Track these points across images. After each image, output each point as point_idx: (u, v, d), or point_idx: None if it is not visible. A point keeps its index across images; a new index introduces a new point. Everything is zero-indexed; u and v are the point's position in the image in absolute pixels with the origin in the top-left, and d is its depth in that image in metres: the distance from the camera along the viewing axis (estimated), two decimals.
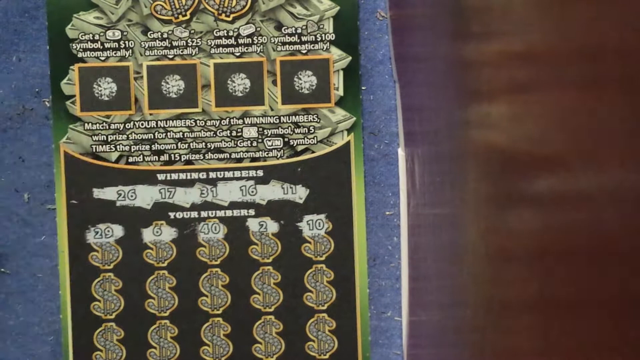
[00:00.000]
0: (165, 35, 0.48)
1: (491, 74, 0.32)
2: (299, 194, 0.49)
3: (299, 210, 0.49)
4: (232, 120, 0.48)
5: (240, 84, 0.49)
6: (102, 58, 0.48)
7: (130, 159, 0.48)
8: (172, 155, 0.48)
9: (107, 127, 0.48)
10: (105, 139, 0.48)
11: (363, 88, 0.49)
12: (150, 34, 0.48)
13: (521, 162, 0.28)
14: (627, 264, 0.21)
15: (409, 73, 0.46)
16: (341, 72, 0.49)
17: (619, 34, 0.21)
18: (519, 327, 0.29)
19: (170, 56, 0.48)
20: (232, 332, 0.48)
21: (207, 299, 0.48)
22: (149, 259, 0.48)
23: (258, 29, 0.48)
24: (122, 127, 0.48)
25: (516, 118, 0.29)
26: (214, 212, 0.49)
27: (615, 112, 0.21)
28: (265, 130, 0.48)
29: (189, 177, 0.48)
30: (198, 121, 0.48)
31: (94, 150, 0.48)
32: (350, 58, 0.49)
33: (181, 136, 0.48)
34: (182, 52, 0.48)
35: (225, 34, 0.48)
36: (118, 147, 0.48)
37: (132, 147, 0.48)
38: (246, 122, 0.48)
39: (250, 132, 0.49)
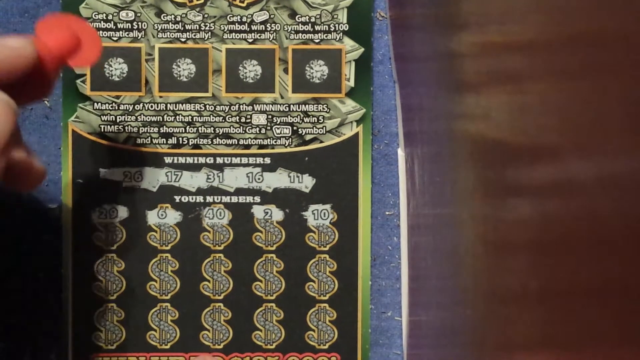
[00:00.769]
0: (178, 19, 0.48)
1: (487, 65, 0.32)
2: (306, 183, 0.49)
3: (305, 199, 0.49)
4: (241, 106, 0.48)
5: (251, 70, 0.48)
6: (115, 38, 0.48)
7: (138, 141, 0.48)
8: (180, 138, 0.48)
9: (117, 108, 0.48)
10: (114, 119, 0.48)
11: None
12: (164, 16, 0.48)
13: (518, 154, 0.28)
14: (623, 253, 0.21)
15: (409, 73, 0.46)
16: (353, 63, 0.48)
17: (616, 23, 0.21)
18: (519, 325, 0.29)
19: (183, 39, 0.48)
20: (233, 318, 0.49)
21: (209, 284, 0.48)
22: (153, 242, 0.48)
23: (272, 16, 0.48)
24: (131, 108, 0.48)
25: (512, 109, 0.29)
26: (219, 197, 0.49)
27: (610, 102, 0.21)
28: (274, 118, 0.48)
29: (196, 162, 0.48)
30: (207, 106, 0.48)
31: (103, 130, 0.48)
32: (362, 49, 0.48)
33: (190, 120, 0.48)
34: (194, 35, 0.48)
35: (239, 20, 0.48)
36: (127, 128, 0.48)
37: (141, 128, 0.48)
38: (256, 109, 0.48)
39: (259, 119, 0.48)
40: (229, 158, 0.49)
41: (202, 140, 0.48)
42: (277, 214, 0.49)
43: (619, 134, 0.21)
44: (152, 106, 0.48)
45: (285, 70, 0.48)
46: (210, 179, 0.49)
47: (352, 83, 0.48)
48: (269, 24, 0.48)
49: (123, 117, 0.48)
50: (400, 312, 0.49)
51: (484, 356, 0.33)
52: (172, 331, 0.48)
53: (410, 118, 0.46)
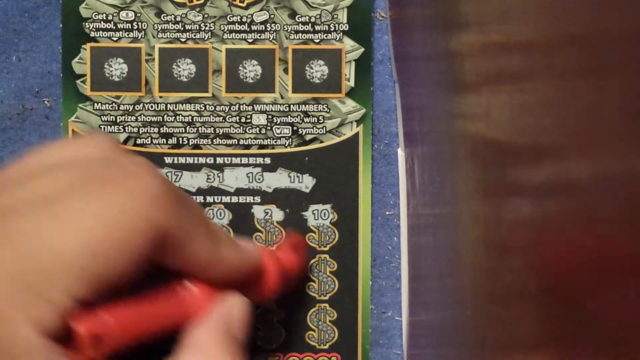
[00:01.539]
0: (178, 19, 0.48)
1: (487, 65, 0.32)
2: (306, 183, 0.49)
3: (305, 199, 0.49)
4: (241, 106, 0.48)
5: (251, 70, 0.48)
6: (115, 38, 0.48)
7: (139, 141, 0.48)
8: (180, 138, 0.48)
9: (117, 108, 0.48)
10: (114, 119, 0.48)
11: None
12: (164, 16, 0.48)
13: (518, 154, 0.28)
14: (623, 253, 0.21)
15: (409, 73, 0.46)
16: (353, 63, 0.48)
17: (616, 23, 0.21)
18: (519, 325, 0.29)
19: (183, 39, 0.48)
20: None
21: None
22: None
23: (272, 16, 0.48)
24: (131, 108, 0.48)
25: (512, 109, 0.29)
26: (219, 197, 0.49)
27: (610, 102, 0.21)
28: (274, 118, 0.48)
29: (196, 162, 0.48)
30: (207, 106, 0.48)
31: (103, 131, 0.48)
32: (362, 49, 0.48)
33: (190, 120, 0.48)
34: (194, 36, 0.48)
35: (239, 20, 0.48)
36: (127, 128, 0.48)
37: (141, 128, 0.48)
38: (256, 109, 0.48)
39: (260, 119, 0.48)
40: (229, 158, 0.49)
41: (202, 140, 0.48)
42: (278, 214, 0.49)
43: (619, 134, 0.21)
44: (152, 106, 0.48)
45: (285, 70, 0.48)
46: (210, 179, 0.49)
47: (352, 83, 0.48)
48: (269, 24, 0.48)
49: (123, 117, 0.48)
50: (401, 312, 0.49)
51: (484, 356, 0.33)
52: None
53: (410, 118, 0.46)
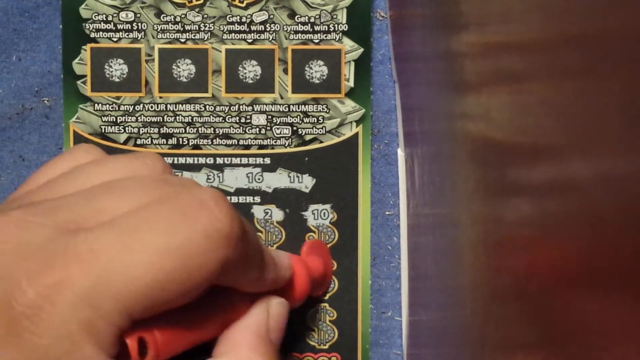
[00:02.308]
0: (178, 19, 0.48)
1: (487, 65, 0.32)
2: (305, 183, 0.49)
3: (305, 199, 0.49)
4: (241, 106, 0.48)
5: (251, 70, 0.48)
6: (115, 39, 0.48)
7: (139, 141, 0.48)
8: (180, 139, 0.48)
9: (117, 109, 0.48)
10: (114, 120, 0.48)
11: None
12: (163, 17, 0.48)
13: (518, 154, 0.28)
14: (623, 253, 0.21)
15: (408, 73, 0.46)
16: (352, 64, 0.48)
17: (616, 23, 0.21)
18: (519, 325, 0.29)
19: (182, 40, 0.48)
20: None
21: None
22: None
23: (271, 16, 0.48)
24: (131, 108, 0.48)
25: (512, 109, 0.29)
26: None
27: (610, 102, 0.21)
28: (274, 118, 0.48)
29: (196, 162, 0.49)
30: (207, 106, 0.48)
31: (103, 131, 0.48)
32: (362, 50, 0.48)
33: (190, 120, 0.48)
34: (194, 36, 0.48)
35: (238, 20, 0.48)
36: (127, 128, 0.48)
37: (141, 129, 0.48)
38: (255, 110, 0.48)
39: (259, 120, 0.48)
40: (229, 158, 0.49)
41: (202, 140, 0.48)
42: (277, 214, 0.49)
43: (619, 134, 0.21)
44: (152, 107, 0.48)
45: (285, 71, 0.48)
46: (210, 179, 0.49)
47: (351, 83, 0.49)
48: (268, 24, 0.48)
49: (123, 117, 0.48)
50: (401, 312, 0.49)
51: (484, 356, 0.33)
52: None
53: (410, 118, 0.46)
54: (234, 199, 0.49)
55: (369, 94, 0.49)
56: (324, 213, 0.49)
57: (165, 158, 0.48)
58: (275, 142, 0.48)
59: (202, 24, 0.48)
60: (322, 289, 0.48)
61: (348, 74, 0.48)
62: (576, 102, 0.23)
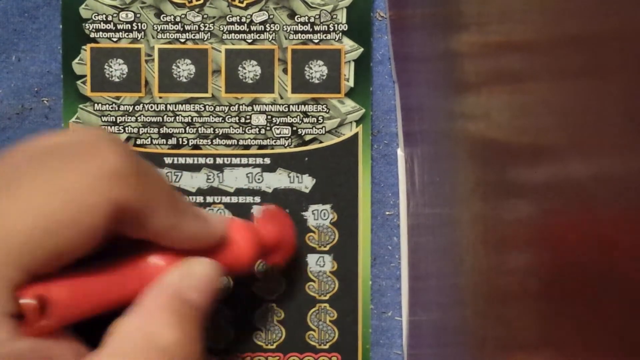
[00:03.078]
0: (178, 19, 0.48)
1: (487, 65, 0.32)
2: (305, 183, 0.49)
3: (305, 199, 0.49)
4: (241, 106, 0.48)
5: (250, 71, 0.48)
6: (115, 39, 0.48)
7: (139, 141, 0.48)
8: (180, 139, 0.48)
9: (117, 109, 0.48)
10: (114, 120, 0.48)
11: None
12: (163, 17, 0.48)
13: (518, 154, 0.28)
14: (623, 253, 0.21)
15: (408, 73, 0.46)
16: (352, 64, 0.48)
17: (616, 23, 0.21)
18: (519, 325, 0.29)
19: (182, 40, 0.48)
20: (233, 318, 0.49)
21: None
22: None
23: (271, 16, 0.48)
24: (131, 109, 0.48)
25: (512, 109, 0.29)
26: (219, 197, 0.49)
27: (610, 102, 0.21)
28: (273, 118, 0.48)
29: (195, 162, 0.48)
30: (207, 106, 0.48)
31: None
32: (362, 49, 0.48)
33: (190, 120, 0.48)
34: (194, 36, 0.48)
35: (238, 20, 0.48)
36: (127, 128, 0.48)
37: (141, 129, 0.48)
38: (255, 110, 0.48)
39: (259, 120, 0.48)
40: (229, 158, 0.49)
41: (201, 140, 0.48)
42: None
43: (619, 134, 0.21)
44: (152, 107, 0.48)
45: (285, 71, 0.48)
46: (210, 179, 0.49)
47: (351, 83, 0.49)
48: (268, 25, 0.48)
49: (123, 117, 0.48)
50: (401, 312, 0.49)
51: (484, 356, 0.33)
52: None
53: (410, 118, 0.46)
54: (234, 199, 0.49)
55: (369, 94, 0.49)
56: (324, 213, 0.49)
57: (165, 158, 0.48)
58: (275, 142, 0.48)
59: (202, 24, 0.48)
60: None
61: (348, 74, 0.48)
62: (576, 102, 0.23)
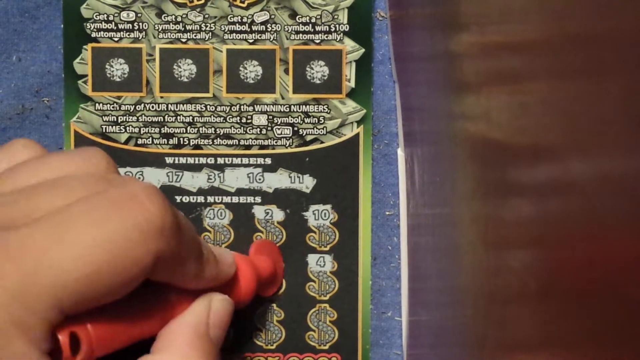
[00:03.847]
0: (179, 19, 0.48)
1: (487, 65, 0.32)
2: (306, 183, 0.49)
3: (306, 199, 0.49)
4: (242, 106, 0.48)
5: (252, 71, 0.48)
6: (116, 39, 0.48)
7: (140, 141, 0.48)
8: (181, 139, 0.48)
9: (118, 108, 0.48)
10: (115, 119, 0.48)
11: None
12: (165, 16, 0.48)
13: (518, 154, 0.28)
14: (623, 253, 0.21)
15: (408, 73, 0.46)
16: (353, 64, 0.49)
17: (616, 23, 0.21)
18: (519, 325, 0.29)
19: (184, 40, 0.48)
20: (233, 318, 0.49)
21: None
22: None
23: (272, 16, 0.48)
24: (132, 108, 0.48)
25: (512, 109, 0.29)
26: (220, 197, 0.49)
27: (610, 102, 0.21)
28: (275, 119, 0.48)
29: (196, 162, 0.49)
30: (208, 106, 0.48)
31: (104, 131, 0.48)
32: (363, 50, 0.49)
33: (191, 120, 0.48)
34: (195, 36, 0.48)
35: (239, 20, 0.48)
36: (128, 128, 0.48)
37: (142, 129, 0.48)
38: (256, 110, 0.48)
39: (260, 120, 0.49)
40: (230, 158, 0.49)
41: (203, 140, 0.48)
42: (278, 214, 0.49)
43: (619, 134, 0.21)
44: (153, 107, 0.48)
45: (286, 71, 0.49)
46: (211, 179, 0.49)
47: (352, 84, 0.49)
48: (269, 25, 0.48)
49: (124, 117, 0.48)
50: (401, 312, 0.49)
51: (484, 356, 0.33)
52: None
53: (410, 118, 0.46)
54: (235, 199, 0.49)
55: (370, 94, 0.49)
56: (325, 213, 0.49)
57: (166, 158, 0.48)
58: (276, 142, 0.48)
59: (203, 24, 0.48)
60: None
61: (349, 74, 0.48)
62: (576, 102, 0.23)
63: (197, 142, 0.48)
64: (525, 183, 0.28)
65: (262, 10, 0.48)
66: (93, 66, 0.48)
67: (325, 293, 0.49)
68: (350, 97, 0.49)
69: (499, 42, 0.30)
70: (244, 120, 0.48)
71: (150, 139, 0.48)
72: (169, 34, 0.48)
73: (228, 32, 0.48)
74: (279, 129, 0.48)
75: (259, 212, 0.49)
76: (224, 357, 0.48)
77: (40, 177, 0.37)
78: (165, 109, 0.48)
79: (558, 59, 0.25)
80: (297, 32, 0.48)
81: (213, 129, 0.48)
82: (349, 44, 0.48)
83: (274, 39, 0.48)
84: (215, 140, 0.48)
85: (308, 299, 0.49)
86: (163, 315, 0.38)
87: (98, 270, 0.33)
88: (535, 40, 0.27)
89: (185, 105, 0.48)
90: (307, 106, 0.48)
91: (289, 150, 0.49)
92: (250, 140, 0.48)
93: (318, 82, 0.49)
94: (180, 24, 0.48)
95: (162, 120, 0.48)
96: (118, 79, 0.48)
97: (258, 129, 0.48)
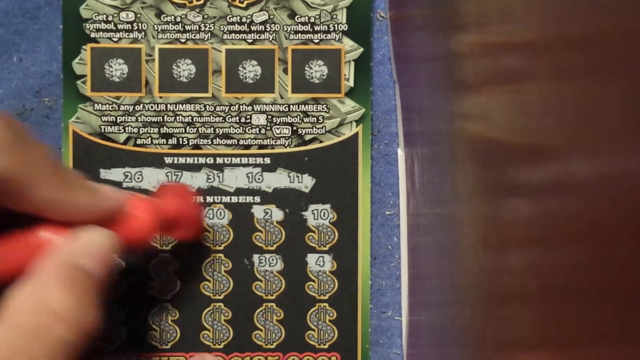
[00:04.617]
0: (178, 19, 0.48)
1: (487, 65, 0.32)
2: (305, 183, 0.49)
3: (305, 199, 0.49)
4: (241, 106, 0.48)
5: (251, 70, 0.48)
6: (115, 39, 0.48)
7: (139, 141, 0.48)
8: (180, 139, 0.48)
9: (117, 108, 0.48)
10: (114, 119, 0.48)
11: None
12: (164, 17, 0.48)
13: (518, 154, 0.28)
14: (622, 253, 0.21)
15: (408, 73, 0.46)
16: (352, 63, 0.49)
17: (616, 23, 0.21)
18: (519, 325, 0.29)
19: (183, 40, 0.48)
20: (233, 317, 0.49)
21: (209, 284, 0.48)
22: (153, 242, 0.48)
23: (271, 16, 0.48)
24: (131, 108, 0.48)
25: (512, 109, 0.29)
26: (219, 197, 0.49)
27: (610, 102, 0.21)
28: (274, 118, 0.48)
29: (196, 162, 0.49)
30: (207, 106, 0.48)
31: (103, 131, 0.48)
32: (362, 49, 0.49)
33: (190, 120, 0.48)
34: (194, 36, 0.48)
35: (238, 20, 0.48)
36: (127, 128, 0.48)
37: (141, 129, 0.48)
38: (255, 109, 0.48)
39: (259, 120, 0.49)
40: (229, 158, 0.49)
41: (202, 140, 0.48)
42: (277, 214, 0.49)
43: (619, 134, 0.21)
44: (152, 107, 0.48)
45: (285, 71, 0.49)
46: (210, 179, 0.49)
47: (351, 83, 0.49)
48: (268, 25, 0.48)
49: (123, 117, 0.48)
50: (400, 311, 0.49)
51: (484, 356, 0.33)
52: (173, 331, 0.48)
53: (410, 118, 0.46)
54: (234, 199, 0.49)
55: (369, 93, 0.49)
56: (324, 213, 0.49)
57: (165, 158, 0.48)
58: (275, 142, 0.49)
59: (203, 24, 0.48)
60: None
61: (348, 73, 0.48)
62: (576, 102, 0.23)
63: (196, 142, 0.48)
64: (525, 183, 0.28)
65: (261, 10, 0.48)
66: (92, 66, 0.48)
67: (325, 292, 0.49)
68: (349, 96, 0.49)
69: (499, 42, 0.30)
70: (243, 120, 0.48)
71: (150, 139, 0.48)
72: (168, 34, 0.48)
73: (227, 32, 0.48)
74: (278, 128, 0.49)
75: (258, 211, 0.49)
76: (224, 357, 0.48)
77: None
78: (165, 109, 0.48)
79: (558, 59, 0.25)
80: (296, 32, 0.48)
81: (212, 128, 0.48)
82: (347, 43, 0.48)
83: (272, 39, 0.48)
84: (214, 140, 0.48)
85: (308, 299, 0.49)
86: (32, 255, 0.37)
87: None
88: (535, 40, 0.27)
89: (184, 105, 0.48)
90: (306, 106, 0.48)
91: (288, 149, 0.49)
92: (249, 140, 0.49)
93: (317, 81, 0.49)
94: (180, 24, 0.48)
95: (161, 120, 0.48)
96: (117, 79, 0.48)
97: (257, 129, 0.48)
